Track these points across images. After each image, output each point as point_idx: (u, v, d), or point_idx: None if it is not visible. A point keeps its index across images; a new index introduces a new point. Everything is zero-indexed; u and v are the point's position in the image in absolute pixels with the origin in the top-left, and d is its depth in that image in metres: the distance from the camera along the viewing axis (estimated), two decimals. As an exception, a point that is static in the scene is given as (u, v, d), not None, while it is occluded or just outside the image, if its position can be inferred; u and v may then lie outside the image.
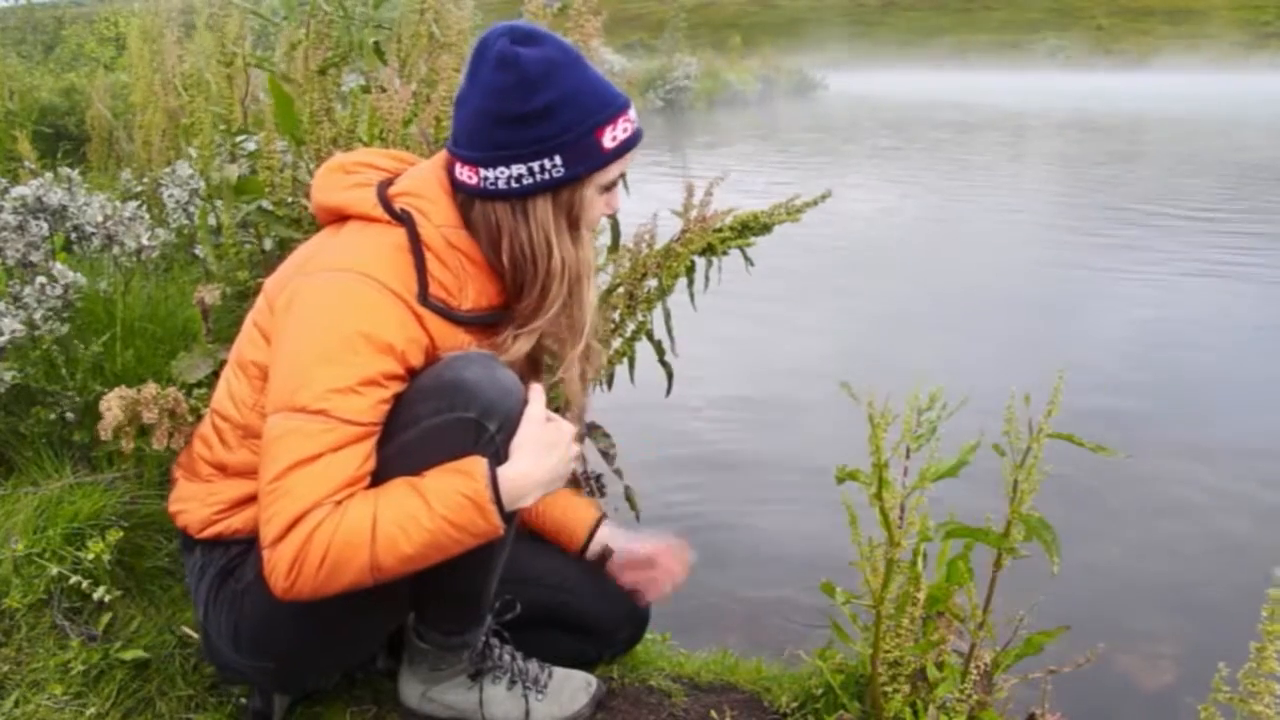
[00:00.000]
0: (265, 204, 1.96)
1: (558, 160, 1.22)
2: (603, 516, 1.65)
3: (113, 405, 1.37)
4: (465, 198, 1.28)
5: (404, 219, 1.25)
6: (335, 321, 1.17)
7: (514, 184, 1.23)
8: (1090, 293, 5.44)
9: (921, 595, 1.33)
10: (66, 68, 6.48)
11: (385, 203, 1.27)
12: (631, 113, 1.27)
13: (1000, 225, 7.56)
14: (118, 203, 2.00)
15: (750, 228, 1.99)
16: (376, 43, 2.11)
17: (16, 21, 9.08)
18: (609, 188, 1.30)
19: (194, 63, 2.50)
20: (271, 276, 1.34)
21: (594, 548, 1.62)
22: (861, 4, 47.55)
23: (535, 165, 1.22)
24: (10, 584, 1.48)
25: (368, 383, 1.16)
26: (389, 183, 1.31)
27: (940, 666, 1.37)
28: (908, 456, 1.29)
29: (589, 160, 1.24)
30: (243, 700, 1.47)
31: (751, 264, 2.04)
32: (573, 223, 1.28)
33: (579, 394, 1.42)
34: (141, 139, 3.00)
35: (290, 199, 1.95)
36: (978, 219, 7.88)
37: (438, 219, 1.26)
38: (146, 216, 2.04)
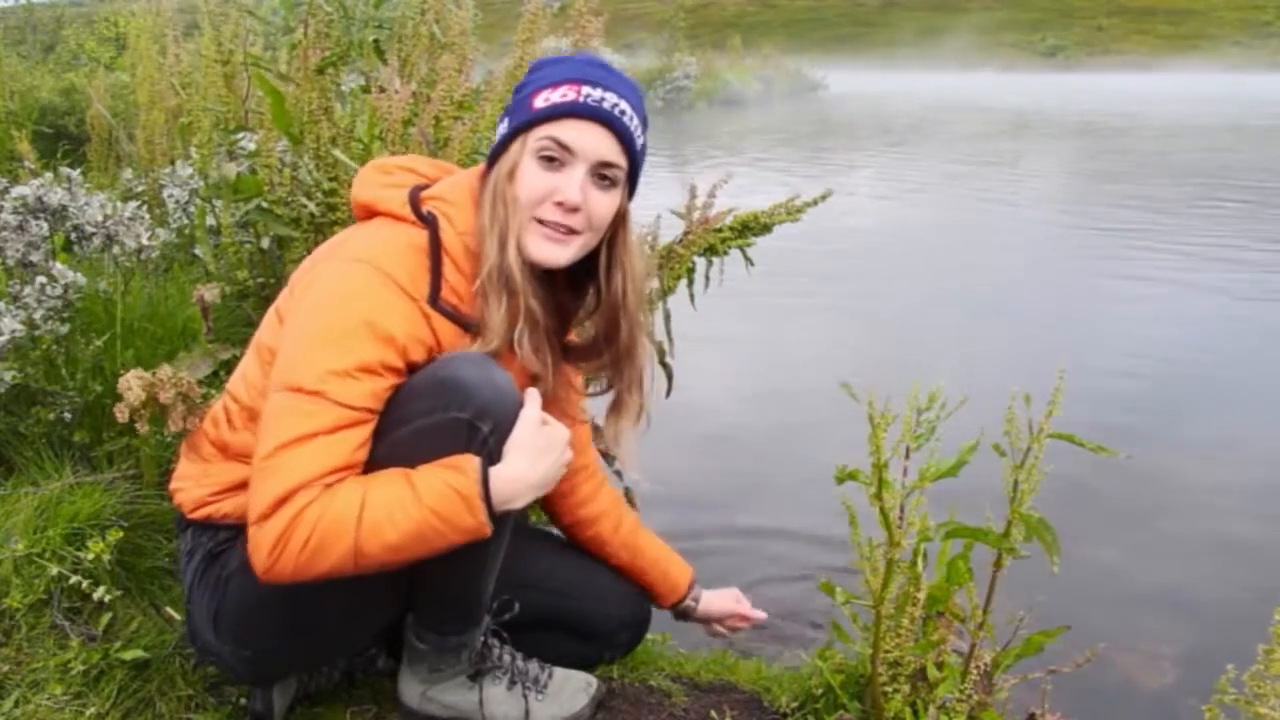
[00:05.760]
0: (263, 203, 1.96)
1: (505, 122, 1.30)
2: (694, 578, 1.72)
3: (133, 385, 1.36)
4: None
5: (428, 221, 1.27)
6: (341, 307, 1.19)
7: (495, 144, 1.31)
8: (1093, 294, 5.43)
9: (921, 595, 1.33)
10: (66, 68, 6.48)
11: (414, 204, 1.29)
12: (587, 89, 1.24)
13: (1002, 225, 7.55)
14: (118, 203, 2.00)
15: (750, 228, 1.99)
16: (376, 42, 2.11)
17: (16, 21, 9.08)
18: (551, 161, 1.25)
19: (191, 62, 2.50)
20: (299, 266, 1.37)
21: (685, 604, 1.71)
22: (861, 4, 47.52)
23: (500, 127, 1.31)
24: (10, 584, 1.48)
25: (365, 369, 1.17)
26: (425, 187, 1.34)
27: (940, 666, 1.37)
28: (907, 456, 1.29)
29: (517, 117, 1.27)
30: (242, 700, 1.47)
31: (751, 264, 2.04)
32: (510, 181, 1.27)
33: (630, 431, 1.45)
34: (143, 139, 3.00)
35: (289, 198, 1.95)
36: (979, 219, 7.88)
37: (461, 225, 1.28)
38: (146, 216, 2.04)
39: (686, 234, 1.96)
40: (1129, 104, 20.92)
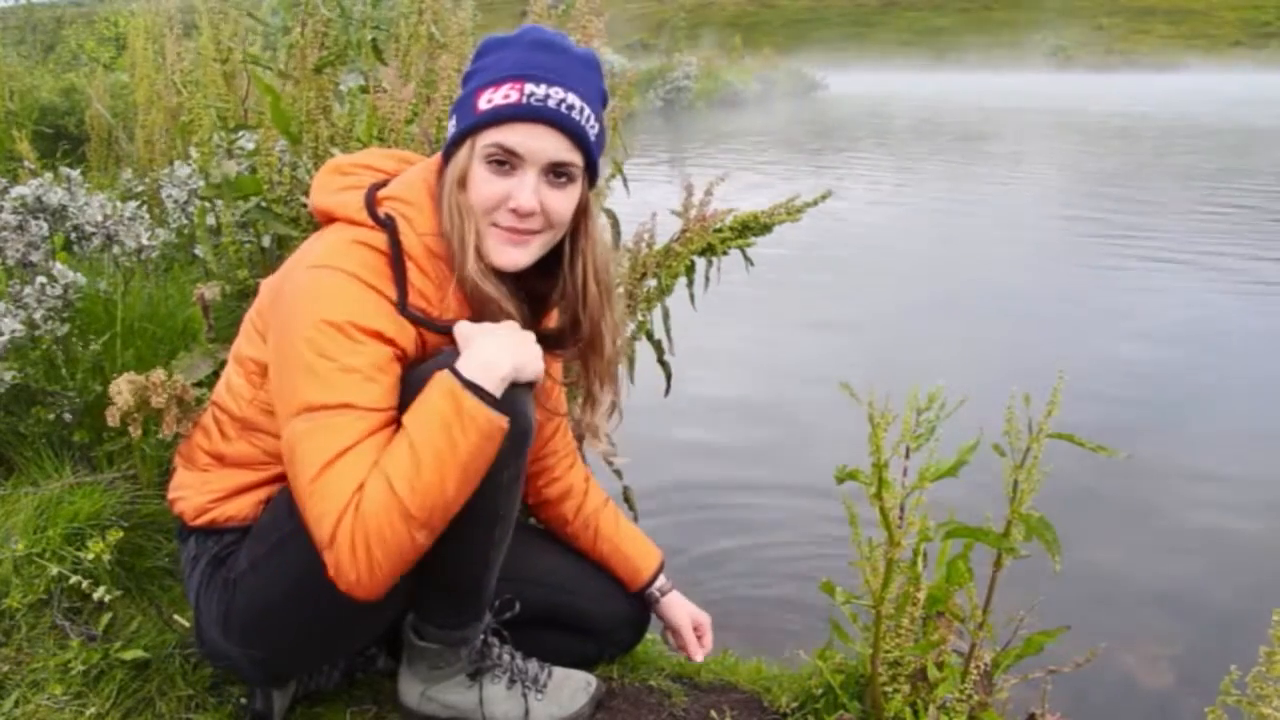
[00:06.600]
0: (263, 202, 1.96)
1: (454, 119, 1.26)
2: (663, 562, 1.66)
3: (123, 389, 1.36)
4: None
5: (387, 225, 1.24)
6: (324, 314, 1.16)
7: (446, 143, 1.27)
8: (1094, 295, 5.43)
9: (921, 595, 1.33)
10: (66, 68, 6.48)
11: (371, 206, 1.26)
12: (530, 86, 1.18)
13: (1002, 227, 7.55)
14: (118, 203, 2.00)
15: (750, 228, 1.99)
16: (374, 41, 2.11)
17: (16, 21, 9.09)
18: (501, 165, 1.21)
19: (192, 60, 2.50)
20: (269, 276, 1.35)
21: (652, 591, 1.64)
22: (861, 4, 47.53)
23: (450, 124, 1.27)
24: (10, 584, 1.48)
25: (378, 367, 1.17)
26: (383, 184, 1.30)
27: (940, 666, 1.37)
28: (908, 456, 1.29)
29: (463, 119, 1.23)
30: (243, 700, 1.47)
31: (752, 264, 2.04)
32: (462, 188, 1.23)
33: (604, 415, 1.42)
34: (142, 139, 3.00)
35: (288, 197, 1.95)
36: (979, 220, 7.88)
37: (421, 226, 1.25)
38: (146, 216, 2.04)
39: (684, 232, 1.96)
40: (1130, 104, 20.91)
